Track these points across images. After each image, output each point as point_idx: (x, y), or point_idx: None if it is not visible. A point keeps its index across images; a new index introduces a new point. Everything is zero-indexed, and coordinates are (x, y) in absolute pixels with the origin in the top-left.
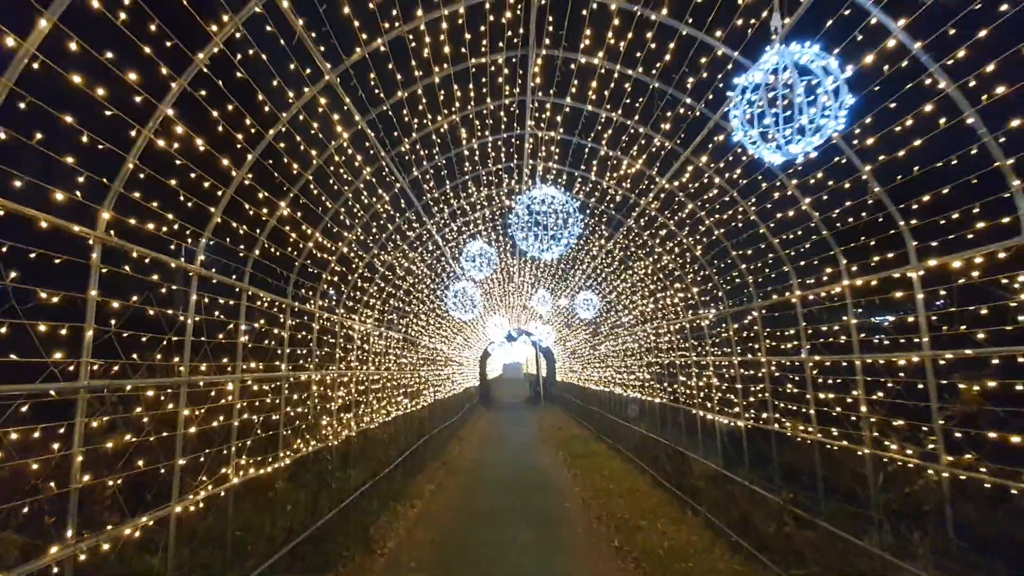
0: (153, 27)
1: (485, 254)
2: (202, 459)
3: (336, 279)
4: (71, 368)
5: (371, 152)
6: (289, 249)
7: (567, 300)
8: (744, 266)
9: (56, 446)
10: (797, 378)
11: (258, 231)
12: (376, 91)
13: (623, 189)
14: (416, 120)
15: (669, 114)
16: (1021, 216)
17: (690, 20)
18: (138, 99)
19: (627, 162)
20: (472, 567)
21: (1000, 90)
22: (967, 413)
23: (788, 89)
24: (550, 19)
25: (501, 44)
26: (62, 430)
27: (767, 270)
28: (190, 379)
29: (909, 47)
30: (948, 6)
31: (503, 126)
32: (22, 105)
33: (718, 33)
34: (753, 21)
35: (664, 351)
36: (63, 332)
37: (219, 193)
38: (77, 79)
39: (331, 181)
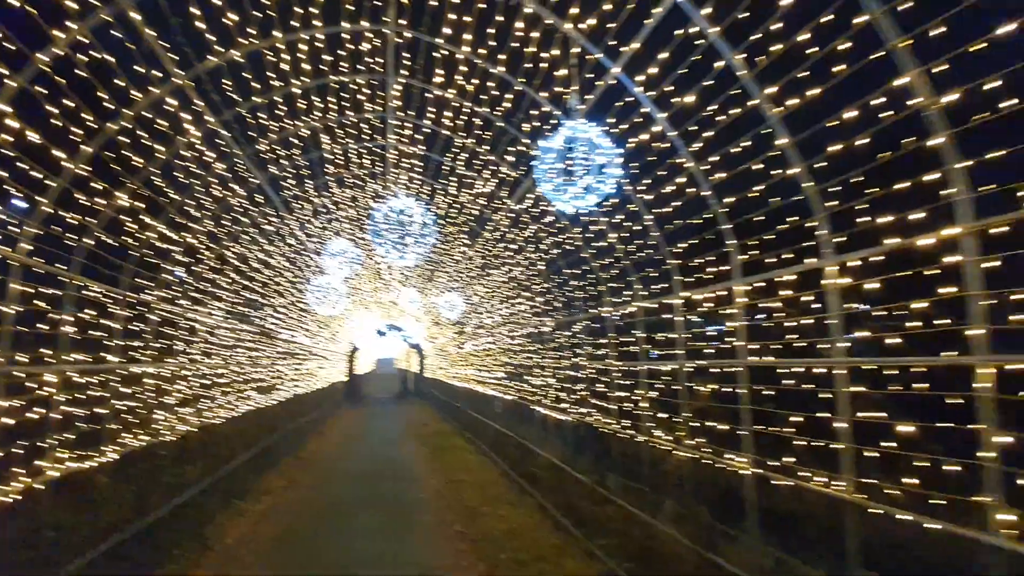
0: None
1: (347, 252)
2: (15, 451)
3: (182, 270)
4: None
5: (225, 150)
6: (129, 239)
7: (433, 300)
8: (573, 283)
9: None
10: (605, 380)
11: (94, 221)
12: (232, 96)
13: (478, 205)
14: (275, 123)
15: (511, 148)
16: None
17: (522, 80)
18: None
19: (480, 182)
20: (316, 554)
21: (724, 175)
22: (700, 408)
23: (577, 156)
24: (406, 55)
25: (361, 67)
26: None
27: (589, 287)
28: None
29: (669, 134)
30: (690, 109)
31: (365, 137)
32: None
33: (543, 93)
34: (572, 89)
35: (515, 352)
36: None
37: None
38: None
39: (179, 175)
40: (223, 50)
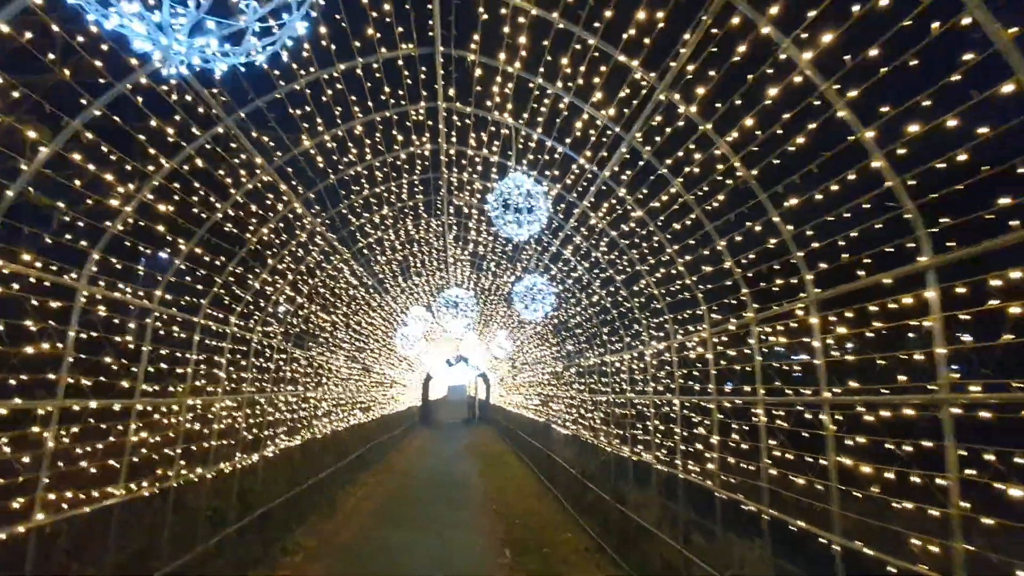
0: None
1: (422, 316)
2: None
3: (326, 336)
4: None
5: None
6: (306, 324)
7: (487, 342)
8: (573, 339)
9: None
10: (605, 410)
11: (216, 276)
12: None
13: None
14: (374, 237)
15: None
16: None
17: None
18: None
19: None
20: (398, 518)
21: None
22: (631, 422)
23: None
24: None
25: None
26: None
27: (584, 342)
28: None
29: (614, 188)
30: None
31: (435, 243)
32: None
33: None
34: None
35: (544, 385)
36: None
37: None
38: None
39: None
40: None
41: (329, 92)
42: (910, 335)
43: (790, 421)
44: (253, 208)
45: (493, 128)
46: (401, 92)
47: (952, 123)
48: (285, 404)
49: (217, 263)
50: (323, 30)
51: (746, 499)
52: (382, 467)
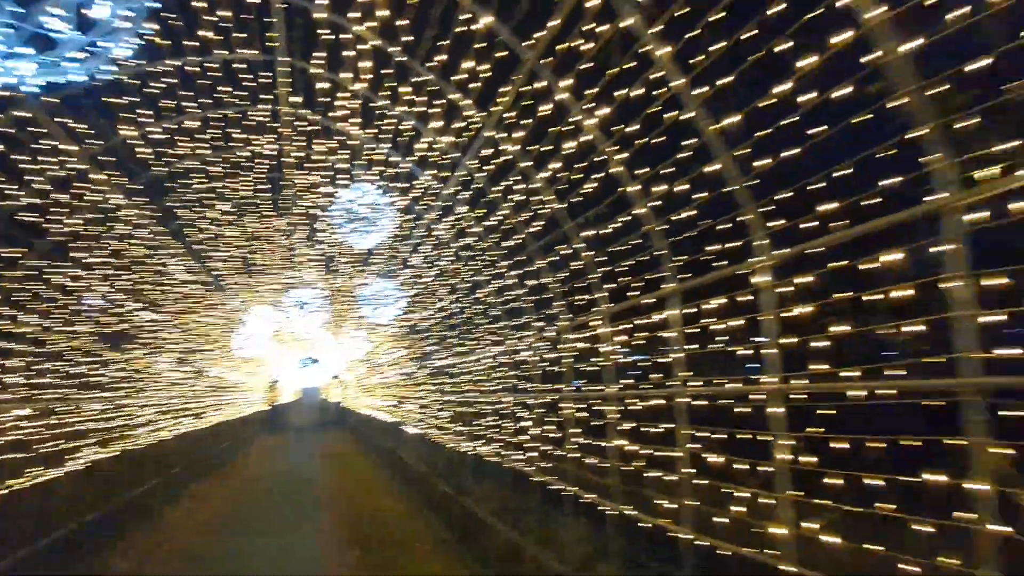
0: None
1: (268, 315)
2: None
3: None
4: None
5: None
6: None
7: (342, 342)
8: (429, 334)
9: None
10: (452, 409)
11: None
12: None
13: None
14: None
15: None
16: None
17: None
18: None
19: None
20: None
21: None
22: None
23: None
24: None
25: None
26: None
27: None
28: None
29: (455, 205)
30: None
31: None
32: None
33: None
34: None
35: (399, 385)
36: None
37: None
38: None
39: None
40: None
41: (159, 85)
42: (661, 345)
43: (588, 412)
44: (60, 197)
45: (340, 137)
46: (241, 93)
47: (683, 187)
48: (97, 412)
49: (10, 255)
50: (155, 26)
51: (557, 481)
52: (221, 476)
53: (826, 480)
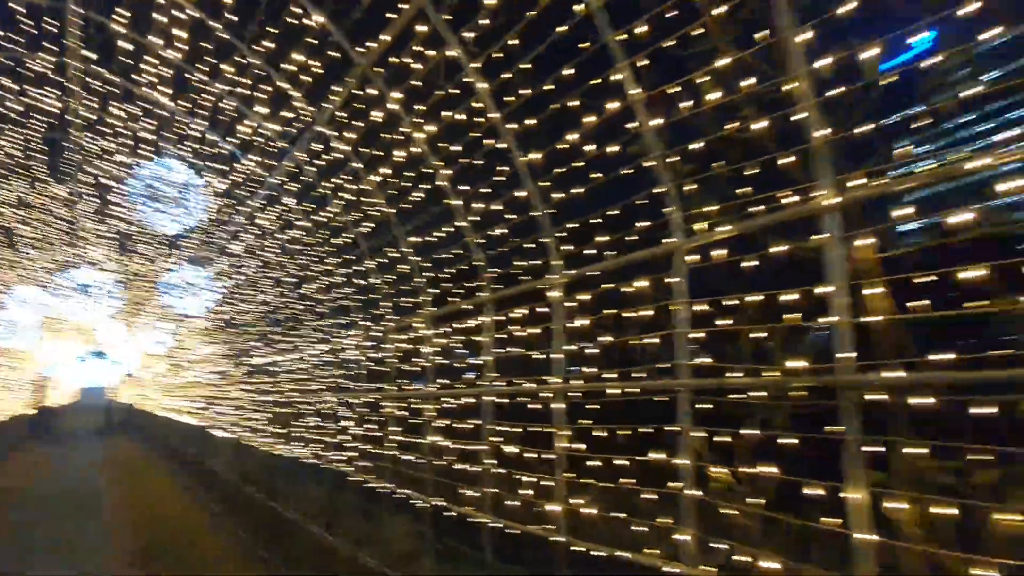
0: None
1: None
2: None
3: None
4: None
5: None
6: None
7: (140, 335)
8: (249, 329)
9: None
10: (270, 410)
11: None
12: None
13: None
14: None
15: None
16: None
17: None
18: None
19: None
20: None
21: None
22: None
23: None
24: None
25: None
26: None
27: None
28: None
29: (282, 196)
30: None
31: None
32: None
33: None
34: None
35: (210, 385)
36: None
37: None
38: None
39: None
40: None
41: None
42: (476, 348)
43: (408, 411)
44: None
45: (145, 104)
46: (17, 38)
47: (498, 207)
48: None
49: None
50: None
51: (376, 480)
52: None
53: (589, 463)
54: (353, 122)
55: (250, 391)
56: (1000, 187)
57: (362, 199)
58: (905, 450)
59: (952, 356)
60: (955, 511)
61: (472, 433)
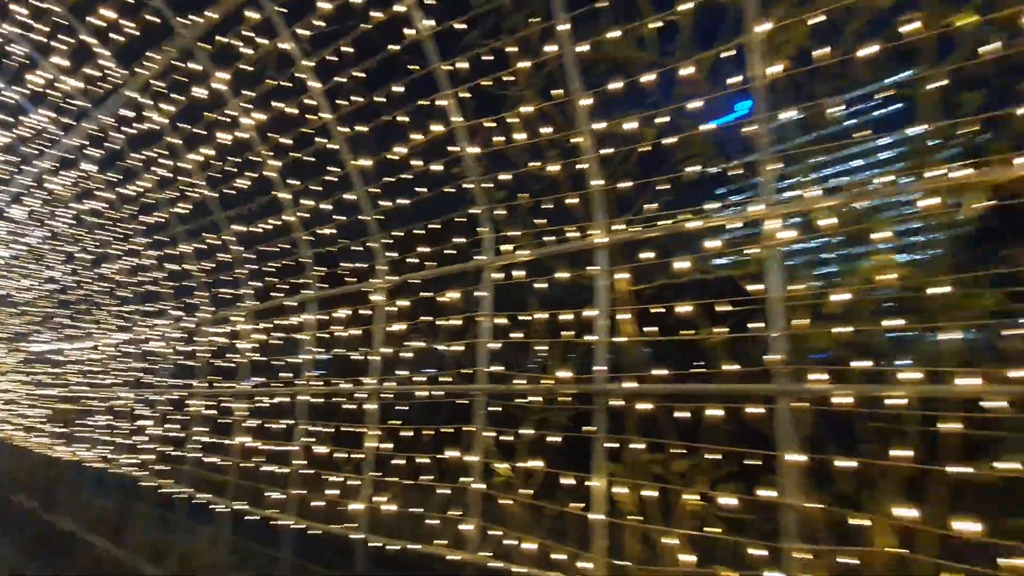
0: None
1: None
2: None
3: None
4: None
5: None
6: None
7: None
8: (29, 309)
9: None
10: (50, 406)
11: None
12: None
13: None
14: None
15: None
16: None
17: None
18: None
19: None
20: None
21: None
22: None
23: None
24: None
25: None
26: None
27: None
28: None
29: (80, 160)
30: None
31: None
32: None
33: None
34: None
35: None
36: None
37: None
38: None
39: None
40: None
41: None
42: (296, 346)
43: (217, 410)
44: None
45: None
46: None
47: (327, 206)
48: None
49: None
50: None
51: (173, 484)
52: None
53: (394, 462)
54: (172, 95)
55: (26, 382)
56: (707, 243)
57: (179, 177)
58: (631, 446)
59: (666, 372)
60: (656, 493)
61: (284, 433)
